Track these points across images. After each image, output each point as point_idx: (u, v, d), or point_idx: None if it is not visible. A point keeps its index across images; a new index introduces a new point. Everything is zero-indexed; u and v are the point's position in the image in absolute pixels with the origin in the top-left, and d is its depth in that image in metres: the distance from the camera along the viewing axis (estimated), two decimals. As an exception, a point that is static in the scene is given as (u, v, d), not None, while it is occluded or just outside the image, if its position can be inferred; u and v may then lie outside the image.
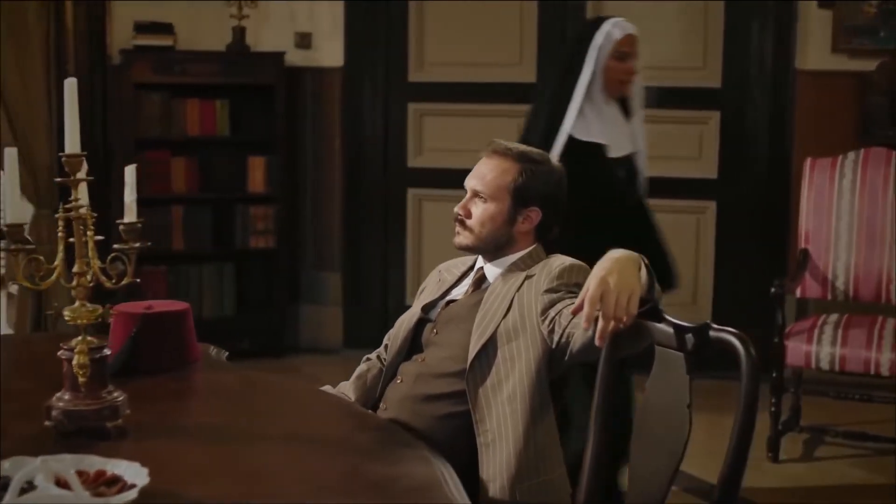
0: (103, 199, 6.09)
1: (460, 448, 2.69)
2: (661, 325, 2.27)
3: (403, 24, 6.16)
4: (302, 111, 6.36)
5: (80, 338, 2.16)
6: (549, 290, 2.64)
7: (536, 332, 2.63)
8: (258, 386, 2.54)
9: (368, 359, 3.03)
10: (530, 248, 2.84)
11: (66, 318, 2.17)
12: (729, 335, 2.13)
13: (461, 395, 2.68)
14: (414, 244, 6.33)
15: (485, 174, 2.84)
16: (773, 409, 4.69)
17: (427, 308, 2.91)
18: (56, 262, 2.15)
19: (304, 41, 6.28)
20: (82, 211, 2.17)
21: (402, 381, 2.82)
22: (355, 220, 6.37)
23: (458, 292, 2.90)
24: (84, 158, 2.16)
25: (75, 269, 2.17)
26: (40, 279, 2.16)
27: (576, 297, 2.49)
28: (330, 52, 6.28)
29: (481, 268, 2.88)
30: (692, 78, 5.91)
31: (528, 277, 2.74)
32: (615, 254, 2.27)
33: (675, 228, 5.97)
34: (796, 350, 4.61)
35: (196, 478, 1.91)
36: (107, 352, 2.20)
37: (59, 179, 2.14)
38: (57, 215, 2.15)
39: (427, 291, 3.00)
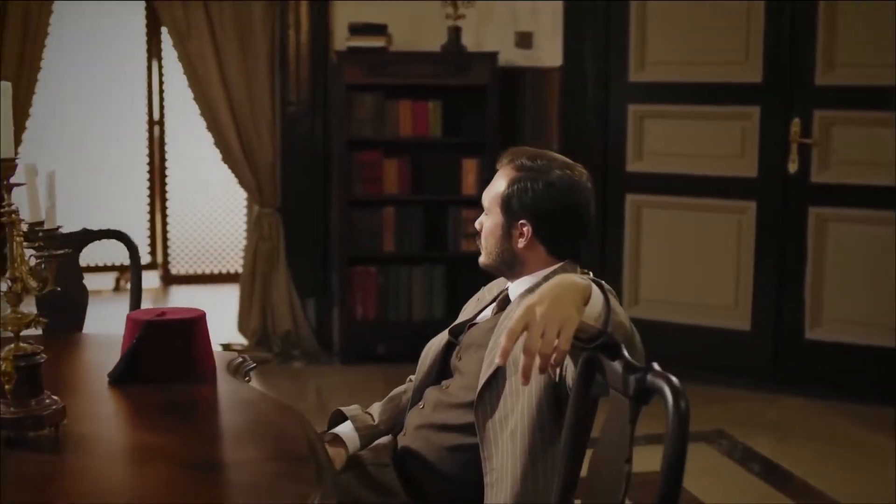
0: (323, 198, 6.21)
1: (469, 484, 2.48)
2: (615, 364, 1.96)
3: (624, 21, 5.86)
4: (520, 112, 6.20)
5: (11, 346, 2.14)
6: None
7: (540, 362, 2.36)
8: (229, 405, 2.43)
9: (410, 380, 2.85)
10: (554, 266, 2.57)
11: (-2, 325, 2.14)
12: (662, 381, 1.81)
13: (473, 427, 2.47)
14: (632, 252, 6.01)
15: (490, 186, 2.61)
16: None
17: (456, 331, 2.69)
18: (-14, 268, 2.13)
19: (524, 41, 6.12)
20: (14, 216, 2.12)
21: (423, 407, 2.65)
22: (571, 226, 6.13)
23: (483, 315, 2.67)
24: (16, 163, 2.11)
25: (8, 274, 2.14)
26: (-27, 285, 2.14)
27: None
28: (550, 51, 6.08)
29: (506, 288, 2.64)
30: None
31: (503, 302, 2.49)
32: (559, 279, 1.97)
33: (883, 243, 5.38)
34: None
35: (55, 496, 1.84)
36: (40, 360, 2.16)
37: (-7, 184, 2.10)
38: (-12, 220, 2.12)
39: (465, 312, 2.78)
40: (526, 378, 1.92)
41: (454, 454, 2.53)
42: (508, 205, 2.56)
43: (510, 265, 2.60)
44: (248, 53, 6.06)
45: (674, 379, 1.80)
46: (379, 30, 5.92)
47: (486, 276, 2.67)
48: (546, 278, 2.55)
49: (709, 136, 5.74)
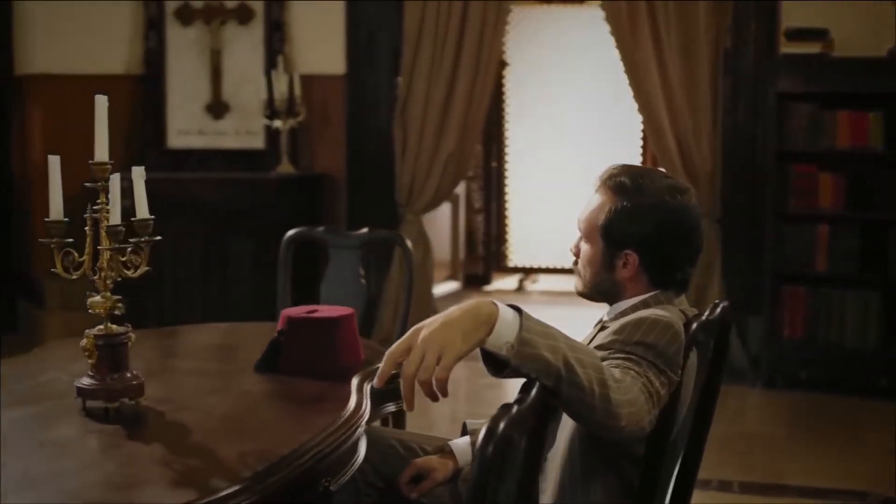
0: (759, 211, 5.97)
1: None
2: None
3: None
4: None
5: (100, 326, 2.44)
6: (600, 347, 2.19)
7: (582, 394, 2.21)
8: (301, 400, 2.55)
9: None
10: (646, 294, 2.36)
11: (88, 308, 2.45)
12: (489, 420, 1.67)
13: (542, 456, 2.37)
14: None
15: (584, 210, 2.42)
16: None
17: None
18: (84, 257, 2.44)
19: None
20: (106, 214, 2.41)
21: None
22: None
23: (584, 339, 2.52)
24: (110, 166, 2.39)
25: (99, 263, 2.44)
26: (74, 270, 2.45)
27: (628, 357, 2.09)
28: None
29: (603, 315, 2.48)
30: None
31: (602, 328, 2.31)
32: (464, 303, 1.86)
33: None
34: None
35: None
36: (122, 340, 2.43)
37: (87, 184, 2.40)
38: (85, 215, 2.42)
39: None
40: (409, 405, 1.85)
41: (526, 482, 2.44)
42: (610, 232, 2.36)
43: (608, 295, 2.43)
44: (690, 56, 5.95)
45: (500, 424, 1.64)
46: (817, 35, 5.53)
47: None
48: (633, 307, 2.36)
49: None
